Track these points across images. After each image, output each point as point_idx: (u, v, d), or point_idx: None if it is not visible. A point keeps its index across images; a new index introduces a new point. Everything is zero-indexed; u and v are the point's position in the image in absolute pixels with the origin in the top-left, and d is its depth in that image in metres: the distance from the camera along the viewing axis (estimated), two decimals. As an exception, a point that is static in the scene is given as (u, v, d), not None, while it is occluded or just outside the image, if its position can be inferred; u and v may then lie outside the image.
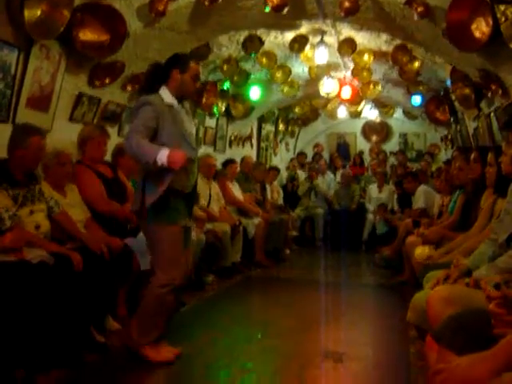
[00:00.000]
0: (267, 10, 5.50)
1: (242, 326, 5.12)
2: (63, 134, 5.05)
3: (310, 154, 13.70)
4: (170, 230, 3.85)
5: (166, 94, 3.91)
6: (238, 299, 6.23)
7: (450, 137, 10.16)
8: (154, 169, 3.68)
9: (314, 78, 8.70)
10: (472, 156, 4.81)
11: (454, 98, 7.45)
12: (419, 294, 3.31)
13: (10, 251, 3.50)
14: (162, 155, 3.58)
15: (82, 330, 4.02)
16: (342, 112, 11.68)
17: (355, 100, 9.87)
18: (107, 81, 5.54)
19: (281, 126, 12.61)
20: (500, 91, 5.32)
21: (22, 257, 3.55)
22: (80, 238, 4.29)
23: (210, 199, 7.38)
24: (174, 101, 3.93)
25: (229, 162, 8.46)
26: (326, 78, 8.56)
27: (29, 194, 4.03)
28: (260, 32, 6.90)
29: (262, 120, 11.52)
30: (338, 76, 8.79)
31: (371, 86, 8.92)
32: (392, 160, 12.95)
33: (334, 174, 12.21)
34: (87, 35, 4.82)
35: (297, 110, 11.62)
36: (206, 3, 5.17)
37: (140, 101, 3.89)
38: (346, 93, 9.12)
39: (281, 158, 13.20)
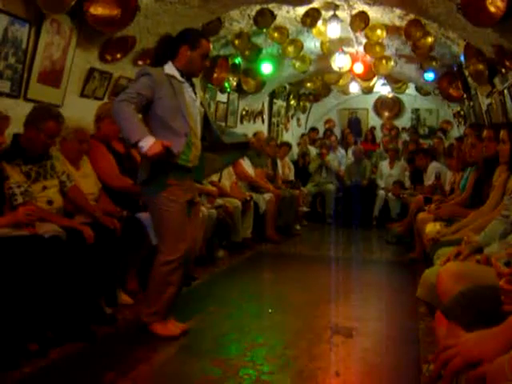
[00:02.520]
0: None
1: (252, 301, 5.15)
2: (74, 110, 5.05)
3: (321, 129, 13.67)
4: (170, 205, 3.84)
5: (168, 67, 3.88)
6: (248, 274, 6.26)
7: (462, 113, 10.09)
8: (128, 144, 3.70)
9: (326, 53, 8.65)
10: (485, 134, 4.76)
11: (467, 73, 7.38)
12: (430, 270, 3.31)
13: (23, 226, 3.53)
14: (146, 143, 3.56)
15: (92, 303, 4.07)
16: (354, 87, 11.63)
17: (367, 75, 9.81)
18: (118, 56, 5.53)
19: (292, 102, 12.57)
20: (514, 67, 5.28)
21: (35, 231, 3.57)
22: (91, 212, 4.32)
23: (220, 175, 7.38)
24: (176, 73, 3.88)
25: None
26: (338, 53, 8.50)
27: (41, 169, 4.06)
28: (272, 6, 6.85)
29: (273, 95, 11.48)
30: (350, 51, 8.72)
31: (384, 62, 8.83)
32: (404, 136, 12.88)
33: (346, 150, 12.17)
34: (98, 10, 4.80)
35: (308, 85, 11.54)
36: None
37: (139, 71, 3.88)
38: (359, 68, 9.06)
39: (292, 134, 13.17)
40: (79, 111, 5.10)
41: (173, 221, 3.86)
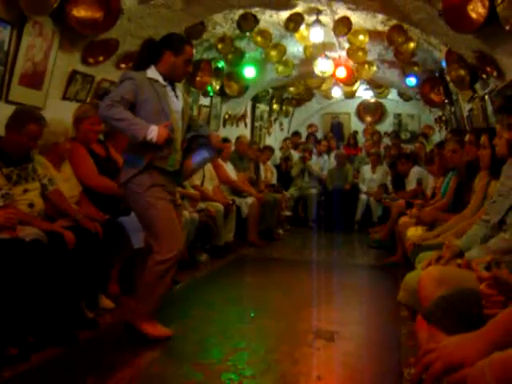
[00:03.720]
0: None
1: (234, 305, 5.14)
2: (56, 112, 5.00)
3: (304, 133, 13.72)
4: (158, 203, 3.84)
5: (151, 71, 3.90)
6: (230, 278, 6.25)
7: (444, 118, 10.16)
8: (136, 143, 3.72)
9: (309, 58, 8.68)
10: (467, 138, 4.80)
11: (448, 79, 7.44)
12: (411, 274, 3.33)
13: (3, 229, 3.50)
14: (153, 133, 3.64)
15: (74, 307, 4.04)
16: (337, 92, 11.67)
17: (350, 80, 9.84)
18: (101, 58, 5.50)
19: (275, 106, 12.59)
20: (495, 73, 5.31)
21: (16, 235, 3.55)
22: (73, 215, 4.29)
23: (203, 178, 7.38)
24: (158, 77, 3.90)
25: (223, 142, 8.41)
26: (320, 58, 8.53)
27: (23, 172, 4.02)
28: (255, 10, 6.86)
29: (256, 99, 11.48)
30: (332, 56, 8.76)
31: (366, 67, 8.89)
32: (386, 141, 12.95)
33: (328, 155, 12.21)
34: (81, 12, 4.77)
35: (291, 89, 11.58)
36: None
37: (122, 75, 3.89)
38: (341, 73, 9.10)
39: (275, 138, 13.18)
40: (61, 114, 5.05)
41: (163, 218, 3.86)
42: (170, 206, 3.93)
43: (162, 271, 3.86)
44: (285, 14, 7.07)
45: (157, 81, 3.88)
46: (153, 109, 3.80)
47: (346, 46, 8.12)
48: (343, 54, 8.52)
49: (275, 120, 13.26)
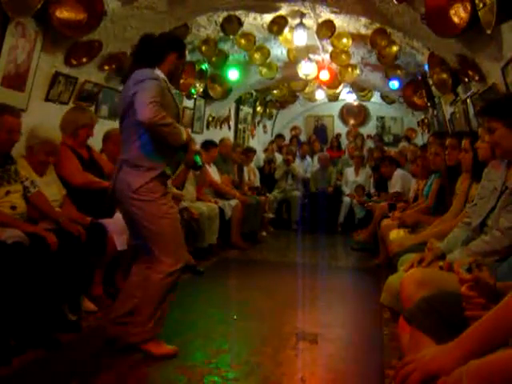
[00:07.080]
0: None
1: (217, 308, 5.13)
2: (39, 114, 4.98)
3: (287, 136, 13.75)
4: (171, 211, 3.73)
5: (159, 72, 3.67)
6: (214, 281, 6.24)
7: (426, 121, 10.22)
8: (176, 146, 3.63)
9: (293, 61, 8.70)
10: (448, 142, 4.83)
11: (431, 82, 7.49)
12: (393, 276, 3.35)
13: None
14: (183, 133, 3.63)
15: (56, 310, 4.02)
16: (320, 95, 11.71)
17: (333, 83, 9.87)
18: (84, 60, 5.46)
19: (259, 108, 12.60)
20: (477, 77, 5.35)
21: (-3, 237, 3.53)
22: (55, 218, 4.26)
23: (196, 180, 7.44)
24: (166, 78, 3.72)
25: (209, 146, 8.35)
26: (304, 61, 8.56)
27: (5, 174, 3.99)
28: (239, 13, 6.87)
29: (239, 102, 11.50)
30: (316, 59, 8.79)
31: (349, 70, 8.91)
32: (369, 143, 13.01)
33: (312, 157, 12.24)
34: (64, 13, 4.75)
35: (275, 92, 11.60)
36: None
37: (143, 74, 3.52)
38: (325, 76, 9.13)
39: (258, 140, 13.20)
40: (44, 116, 5.04)
41: (174, 228, 3.71)
42: (178, 215, 3.86)
43: (170, 284, 3.72)
44: (268, 17, 7.08)
45: (167, 82, 3.69)
46: (173, 114, 3.62)
47: (330, 49, 8.15)
48: (327, 56, 8.55)
49: (259, 122, 13.29)
